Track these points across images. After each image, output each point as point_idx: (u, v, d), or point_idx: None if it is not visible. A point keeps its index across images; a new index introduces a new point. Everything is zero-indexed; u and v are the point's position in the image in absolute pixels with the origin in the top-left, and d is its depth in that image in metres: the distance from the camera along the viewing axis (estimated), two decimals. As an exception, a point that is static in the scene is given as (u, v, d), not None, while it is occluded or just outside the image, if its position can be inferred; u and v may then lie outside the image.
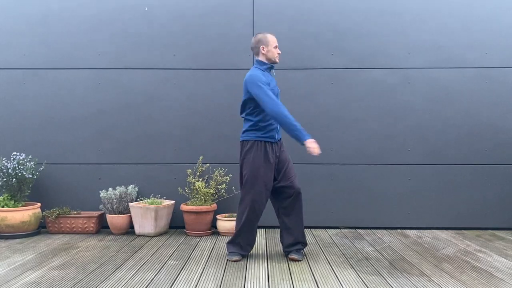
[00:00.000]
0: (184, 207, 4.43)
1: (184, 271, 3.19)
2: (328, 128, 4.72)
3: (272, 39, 3.51)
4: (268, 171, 3.42)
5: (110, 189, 4.49)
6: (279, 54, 3.53)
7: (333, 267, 3.29)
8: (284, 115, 3.24)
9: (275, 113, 3.24)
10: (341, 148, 4.73)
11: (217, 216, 4.47)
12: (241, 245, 3.50)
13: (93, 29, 4.76)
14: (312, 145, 3.26)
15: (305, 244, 3.54)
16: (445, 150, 4.72)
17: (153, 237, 4.29)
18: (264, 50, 3.49)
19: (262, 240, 4.19)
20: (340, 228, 4.72)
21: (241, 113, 3.53)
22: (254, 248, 3.84)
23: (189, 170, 4.62)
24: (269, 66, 3.52)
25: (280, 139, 3.58)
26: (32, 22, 4.76)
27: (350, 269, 3.24)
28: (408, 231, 4.59)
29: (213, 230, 4.51)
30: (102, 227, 4.58)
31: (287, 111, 3.27)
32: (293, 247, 3.50)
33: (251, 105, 3.43)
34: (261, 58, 3.52)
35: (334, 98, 4.74)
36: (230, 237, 3.68)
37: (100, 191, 4.47)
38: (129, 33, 4.76)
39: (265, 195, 3.44)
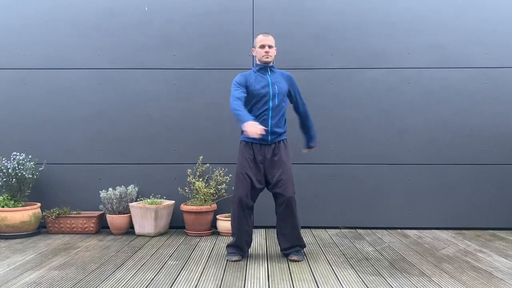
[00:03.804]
0: (184, 207, 4.43)
1: (184, 271, 3.19)
2: (328, 128, 4.72)
3: (258, 39, 3.49)
4: (255, 170, 3.43)
5: (110, 189, 4.49)
6: (266, 53, 3.43)
7: (333, 267, 3.29)
8: (232, 109, 3.28)
9: (231, 109, 3.30)
10: (341, 148, 4.73)
11: (217, 216, 4.47)
12: (238, 245, 3.50)
13: (93, 29, 4.76)
14: (248, 128, 3.10)
15: (302, 246, 3.54)
16: (445, 150, 4.72)
17: (153, 237, 4.29)
18: (253, 52, 3.56)
19: (262, 240, 4.19)
20: (340, 228, 4.72)
21: None
22: (254, 248, 3.85)
23: (189, 170, 4.62)
24: (261, 66, 3.49)
25: (280, 141, 3.50)
26: (32, 22, 4.76)
27: (350, 269, 3.24)
28: (408, 231, 4.59)
29: (213, 230, 4.51)
30: (102, 227, 4.58)
31: (238, 103, 3.27)
32: (290, 249, 3.51)
33: None
34: (256, 59, 3.56)
35: (334, 98, 4.74)
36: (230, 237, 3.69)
37: (100, 191, 4.46)
38: (129, 33, 4.76)
39: (251, 192, 3.44)
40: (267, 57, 3.45)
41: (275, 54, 3.53)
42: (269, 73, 3.50)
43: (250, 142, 3.46)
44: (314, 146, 3.82)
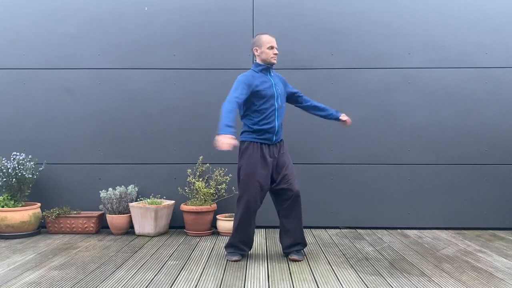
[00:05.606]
0: (184, 207, 4.43)
1: (184, 271, 3.19)
2: (328, 128, 4.71)
3: (266, 39, 3.43)
4: (264, 171, 3.38)
5: (110, 189, 4.49)
6: (275, 54, 3.43)
7: (333, 267, 3.29)
8: (224, 108, 3.24)
9: (223, 106, 3.26)
10: (341, 148, 4.73)
11: (217, 216, 4.47)
12: (238, 246, 3.50)
13: (93, 29, 4.76)
14: (220, 139, 3.11)
15: (304, 244, 3.54)
16: (445, 150, 4.72)
17: (153, 237, 4.29)
18: (257, 52, 3.47)
19: (262, 240, 4.19)
20: (340, 228, 4.72)
21: (240, 114, 3.53)
22: (254, 248, 3.85)
23: (189, 170, 4.62)
24: (264, 67, 3.46)
25: (281, 140, 3.55)
26: (32, 22, 4.75)
27: (350, 269, 3.24)
28: (408, 231, 4.59)
29: (213, 230, 4.51)
30: (102, 227, 4.57)
31: (231, 107, 3.22)
32: (292, 248, 3.50)
33: (244, 108, 3.46)
34: (256, 59, 3.51)
35: (334, 98, 4.73)
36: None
37: (100, 191, 4.46)
38: (129, 33, 4.76)
39: (260, 196, 3.41)
40: (275, 59, 3.46)
41: None
42: (271, 74, 3.51)
43: (258, 142, 3.40)
44: (341, 116, 3.74)
